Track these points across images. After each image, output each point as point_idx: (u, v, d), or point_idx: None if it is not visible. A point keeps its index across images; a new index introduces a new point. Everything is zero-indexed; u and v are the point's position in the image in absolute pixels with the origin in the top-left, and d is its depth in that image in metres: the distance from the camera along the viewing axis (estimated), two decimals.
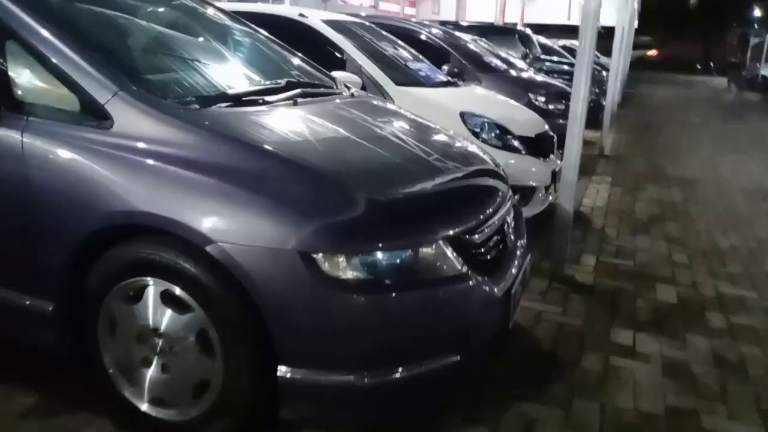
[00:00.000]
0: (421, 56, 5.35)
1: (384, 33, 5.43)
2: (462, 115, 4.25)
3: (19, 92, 2.06)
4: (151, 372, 2.00)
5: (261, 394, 1.89)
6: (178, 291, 1.89)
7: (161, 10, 2.91)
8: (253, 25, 3.37)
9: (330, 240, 1.77)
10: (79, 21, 2.31)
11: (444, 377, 1.96)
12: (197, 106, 2.09)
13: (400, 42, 5.45)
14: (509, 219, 2.49)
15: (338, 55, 4.50)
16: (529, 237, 2.68)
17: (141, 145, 1.92)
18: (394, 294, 1.83)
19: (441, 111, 4.27)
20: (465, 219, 2.11)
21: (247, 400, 1.90)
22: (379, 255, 1.83)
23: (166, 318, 1.93)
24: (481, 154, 2.84)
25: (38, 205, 1.98)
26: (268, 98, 2.34)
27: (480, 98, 4.97)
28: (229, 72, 2.66)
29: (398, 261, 1.85)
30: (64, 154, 1.96)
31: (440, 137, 2.80)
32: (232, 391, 1.90)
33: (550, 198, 4.45)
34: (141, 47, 2.48)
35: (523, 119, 4.70)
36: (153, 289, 1.93)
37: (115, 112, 1.96)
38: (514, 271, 2.33)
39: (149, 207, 1.85)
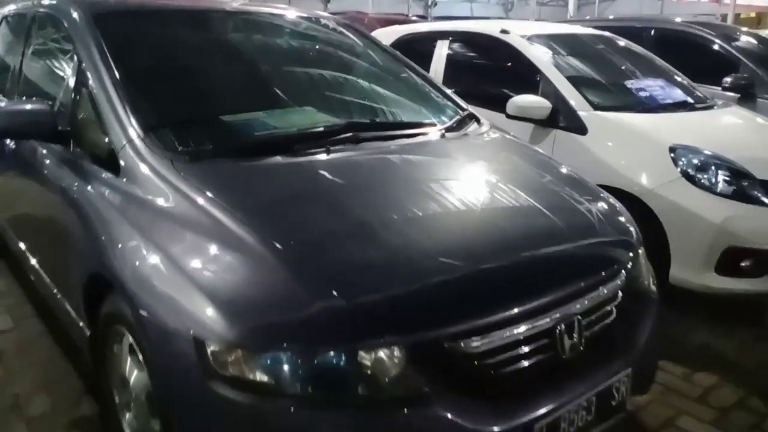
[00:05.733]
0: (674, 72, 4.34)
1: (626, 45, 4.56)
2: (672, 150, 3.29)
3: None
4: (129, 418, 2.00)
5: None
6: (136, 348, 1.83)
7: (251, 34, 2.89)
8: (378, 44, 3.15)
9: (226, 330, 1.49)
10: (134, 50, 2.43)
11: None
12: (200, 159, 1.99)
13: (646, 54, 4.52)
14: (580, 318, 1.78)
15: (536, 77, 3.91)
16: None
17: (120, 197, 1.92)
18: (291, 407, 1.46)
19: (644, 144, 3.39)
20: (454, 317, 1.58)
21: None
22: (285, 356, 1.47)
23: (132, 371, 1.90)
24: (592, 217, 2.12)
25: (68, 238, 2.16)
26: (298, 146, 2.11)
27: (721, 127, 3.79)
28: (282, 107, 2.49)
29: (307, 366, 1.47)
30: (85, 194, 2.10)
31: (540, 191, 2.17)
32: None
33: None
34: (197, 81, 2.48)
35: None
36: (126, 340, 1.91)
37: (124, 161, 2.00)
38: (561, 396, 1.68)
39: (108, 259, 1.84)
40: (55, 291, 2.52)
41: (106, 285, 1.93)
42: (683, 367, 2.73)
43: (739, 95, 5.18)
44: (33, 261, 2.78)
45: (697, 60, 5.50)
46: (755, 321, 2.65)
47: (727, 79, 5.21)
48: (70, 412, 2.42)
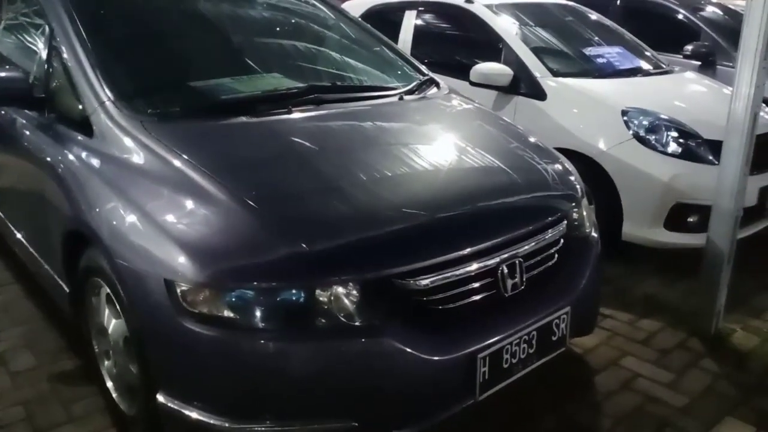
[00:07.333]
0: (634, 40, 4.50)
1: (589, 14, 4.70)
2: (625, 113, 3.46)
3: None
4: (108, 365, 2.15)
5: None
6: (113, 297, 1.96)
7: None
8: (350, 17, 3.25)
9: (195, 272, 1.63)
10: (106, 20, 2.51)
11: None
12: (168, 120, 2.11)
13: (607, 23, 4.68)
14: (521, 260, 1.95)
15: (499, 45, 4.05)
16: None
17: (93, 157, 2.04)
18: (256, 339, 1.62)
19: (598, 107, 3.56)
20: (402, 258, 1.74)
21: (149, 418, 1.89)
22: (249, 294, 1.62)
23: (110, 320, 2.04)
24: (535, 169, 2.28)
25: (45, 200, 2.28)
26: (262, 107, 2.24)
27: (674, 91, 3.97)
28: (249, 74, 2.60)
29: (270, 303, 1.63)
30: (60, 156, 2.20)
31: (485, 149, 2.30)
32: (143, 407, 1.91)
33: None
34: (167, 47, 2.59)
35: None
36: (103, 291, 2.04)
37: (97, 123, 2.11)
38: (503, 330, 1.85)
39: (84, 215, 1.97)
40: (35, 254, 2.63)
41: (83, 241, 2.05)
42: (629, 314, 2.93)
43: (699, 63, 5.37)
44: (12, 227, 2.88)
45: (662, 29, 5.69)
46: (695, 271, 2.85)
47: (688, 47, 5.38)
48: (52, 366, 2.55)
